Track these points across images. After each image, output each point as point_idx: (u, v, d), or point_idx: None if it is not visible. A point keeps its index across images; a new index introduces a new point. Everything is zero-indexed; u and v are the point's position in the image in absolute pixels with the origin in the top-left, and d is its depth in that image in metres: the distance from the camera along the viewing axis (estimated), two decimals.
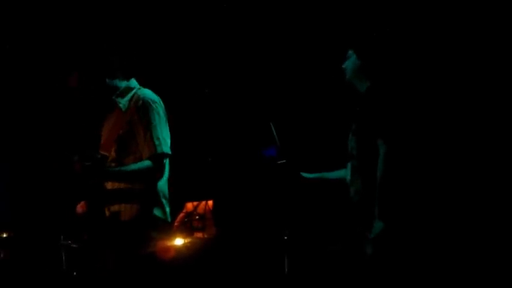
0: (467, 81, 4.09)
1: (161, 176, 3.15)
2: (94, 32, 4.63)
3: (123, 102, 3.20)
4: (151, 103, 3.15)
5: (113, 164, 3.15)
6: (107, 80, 3.21)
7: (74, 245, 3.48)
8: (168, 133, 3.17)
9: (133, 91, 3.23)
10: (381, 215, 2.99)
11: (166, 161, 3.16)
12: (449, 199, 4.00)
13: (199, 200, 4.87)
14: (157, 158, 3.09)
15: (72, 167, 3.03)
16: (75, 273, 3.41)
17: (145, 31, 5.01)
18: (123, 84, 3.24)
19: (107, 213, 3.17)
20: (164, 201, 3.19)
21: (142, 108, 3.13)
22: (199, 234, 4.71)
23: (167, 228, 3.23)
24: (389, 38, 3.50)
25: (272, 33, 4.86)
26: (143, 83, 3.35)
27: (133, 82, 3.29)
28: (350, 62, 3.23)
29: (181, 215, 4.81)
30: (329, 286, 4.03)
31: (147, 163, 3.08)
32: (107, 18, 4.88)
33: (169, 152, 3.13)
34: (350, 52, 3.25)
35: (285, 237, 4.19)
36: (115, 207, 3.15)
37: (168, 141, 3.15)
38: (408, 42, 4.17)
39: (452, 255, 3.87)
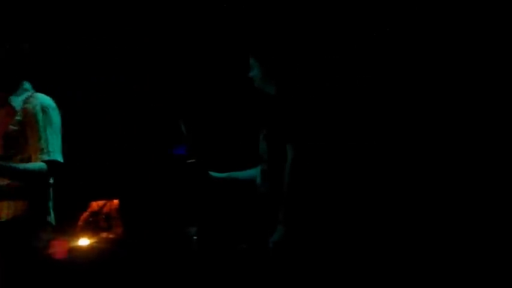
0: (377, 81, 4.16)
1: (51, 181, 3.23)
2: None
3: (17, 101, 3.23)
4: (48, 109, 3.21)
5: None
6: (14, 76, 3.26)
7: None
8: (60, 140, 3.22)
9: (28, 93, 3.27)
10: (284, 220, 3.02)
11: (56, 168, 3.19)
12: (356, 205, 4.04)
13: (105, 199, 4.82)
14: (49, 164, 3.14)
15: None
16: None
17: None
18: (22, 84, 3.29)
19: None
20: (50, 204, 3.26)
21: (39, 113, 3.19)
22: (105, 234, 4.67)
23: (51, 231, 3.25)
24: (291, 40, 3.53)
25: (183, 31, 4.83)
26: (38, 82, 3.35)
27: (27, 84, 3.32)
28: (255, 71, 3.26)
29: (86, 214, 4.75)
30: (235, 285, 4.03)
31: (41, 166, 3.13)
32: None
33: (61, 160, 3.18)
34: (252, 61, 3.27)
35: (194, 237, 4.18)
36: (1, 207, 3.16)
37: (59, 148, 3.20)
38: (316, 45, 4.21)
39: (354, 262, 3.91)
